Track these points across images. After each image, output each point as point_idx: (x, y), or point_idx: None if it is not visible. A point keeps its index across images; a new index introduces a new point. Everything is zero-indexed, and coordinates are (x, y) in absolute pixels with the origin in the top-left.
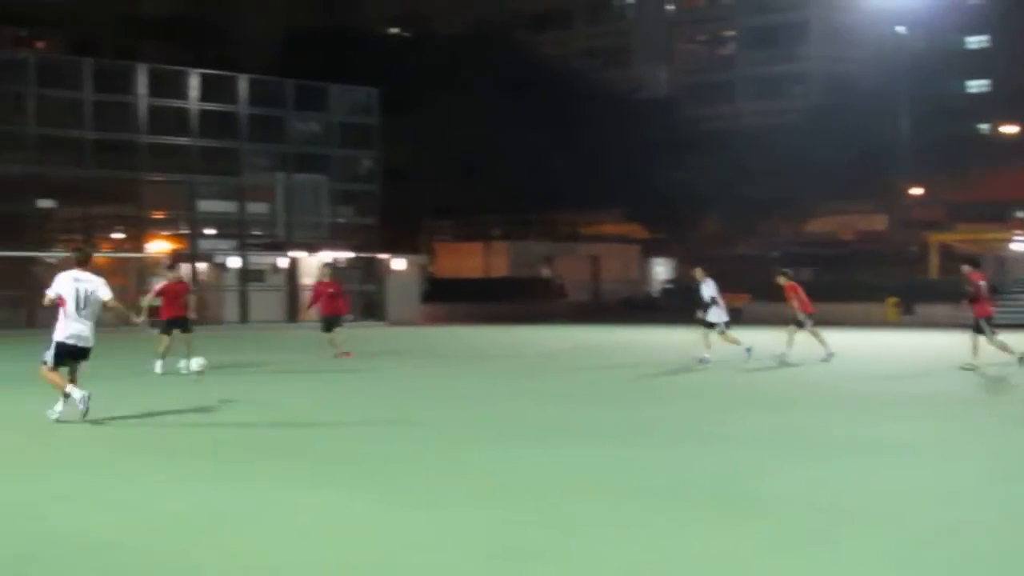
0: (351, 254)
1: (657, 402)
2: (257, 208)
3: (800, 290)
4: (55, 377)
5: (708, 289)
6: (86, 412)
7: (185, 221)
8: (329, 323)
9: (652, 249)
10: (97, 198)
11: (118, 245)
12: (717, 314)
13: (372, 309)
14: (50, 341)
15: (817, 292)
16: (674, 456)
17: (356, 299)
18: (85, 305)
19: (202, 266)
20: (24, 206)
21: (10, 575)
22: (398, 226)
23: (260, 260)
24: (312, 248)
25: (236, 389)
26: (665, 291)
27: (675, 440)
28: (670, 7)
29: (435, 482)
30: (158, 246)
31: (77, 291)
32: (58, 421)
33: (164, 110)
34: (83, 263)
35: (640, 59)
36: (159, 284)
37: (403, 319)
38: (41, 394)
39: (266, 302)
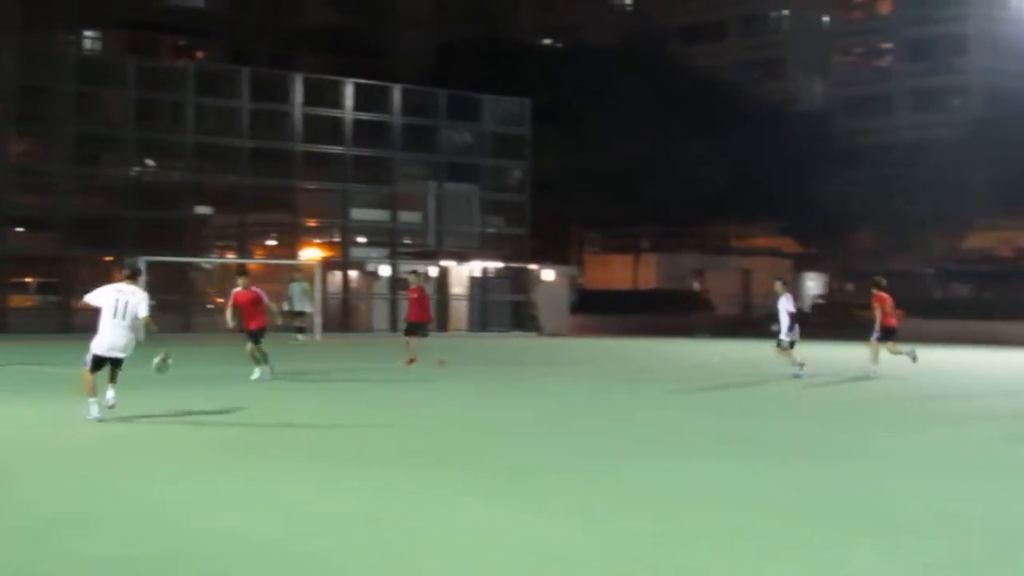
0: (500, 264)
1: (801, 417)
2: (409, 217)
3: (887, 302)
4: (87, 382)
5: (786, 304)
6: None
7: (338, 229)
8: (414, 328)
9: (804, 263)
10: (252, 205)
11: (271, 252)
12: (786, 331)
13: (522, 320)
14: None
15: (975, 310)
16: (820, 472)
17: (506, 310)
18: (124, 316)
19: (353, 274)
20: (182, 212)
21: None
22: (548, 237)
23: (410, 268)
24: (462, 257)
25: (383, 395)
26: (816, 306)
27: (822, 456)
28: (826, 19)
29: (591, 492)
30: (311, 253)
31: (116, 302)
32: (101, 421)
33: (319, 119)
34: (130, 279)
35: (795, 71)
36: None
37: (552, 330)
38: (183, 396)
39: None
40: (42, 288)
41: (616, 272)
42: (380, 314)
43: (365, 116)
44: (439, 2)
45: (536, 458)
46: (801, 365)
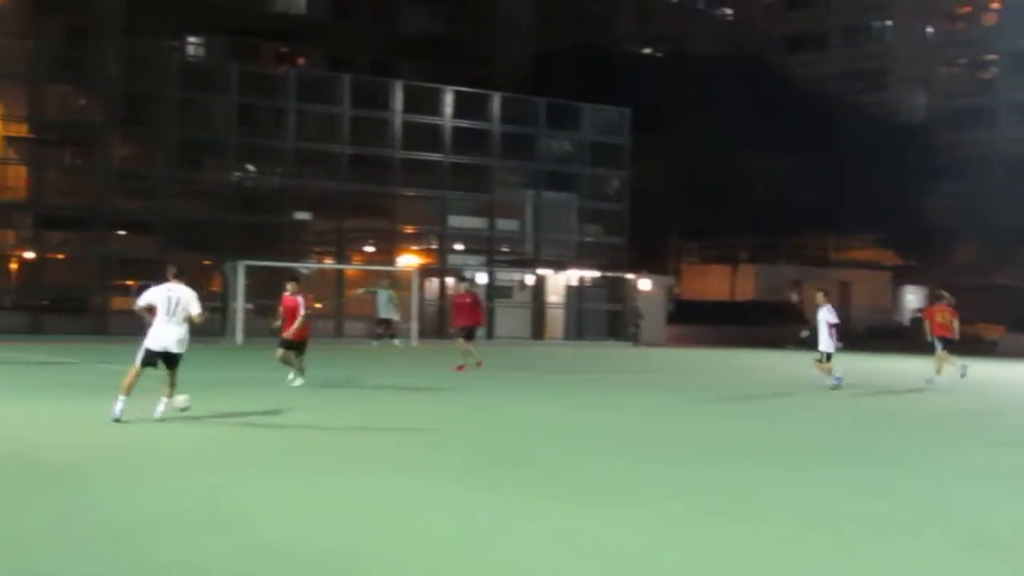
0: (597, 273)
1: (894, 429)
2: (506, 225)
3: (938, 313)
4: (130, 378)
5: (827, 315)
6: (172, 411)
7: (435, 236)
8: (468, 332)
9: (903, 276)
10: (351, 211)
11: (369, 258)
12: (826, 343)
13: (617, 329)
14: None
15: None
16: (912, 485)
17: (602, 319)
18: (175, 313)
19: (450, 281)
20: (281, 217)
21: None
22: (645, 246)
23: (507, 276)
24: (559, 266)
25: (471, 401)
26: (915, 320)
27: (913, 468)
28: (929, 29)
29: (677, 501)
30: (408, 260)
31: (168, 299)
32: (117, 421)
33: (418, 126)
34: (177, 278)
35: (897, 82)
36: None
37: (648, 340)
38: (268, 399)
39: (512, 318)
40: (142, 291)
41: (713, 283)
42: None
43: (464, 124)
44: (539, 11)
45: (623, 467)
46: (837, 376)
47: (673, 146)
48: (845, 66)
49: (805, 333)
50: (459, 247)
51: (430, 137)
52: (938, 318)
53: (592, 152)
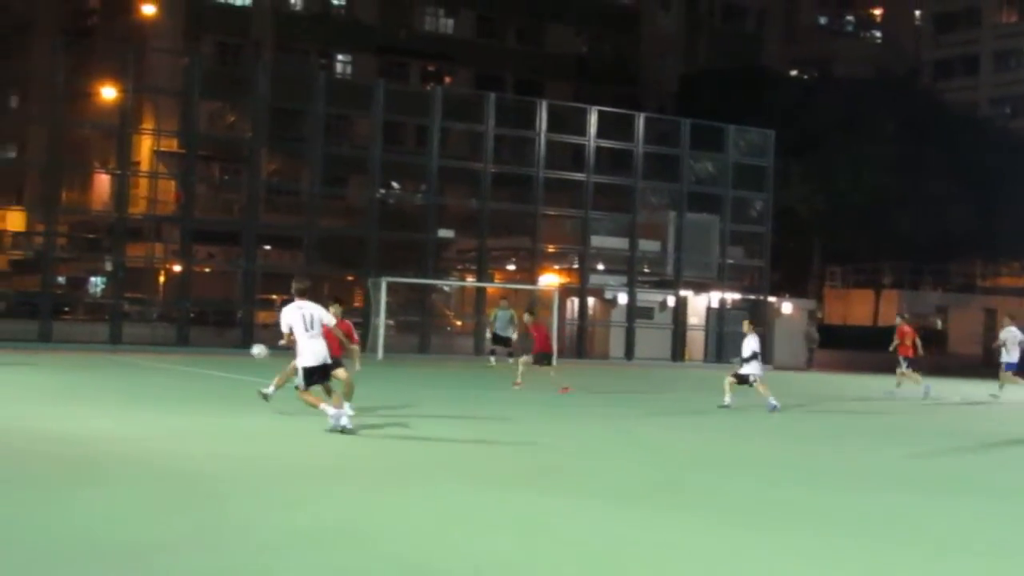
0: (738, 295)
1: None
2: (648, 245)
3: (907, 335)
4: (309, 398)
5: (751, 343)
6: (341, 428)
7: (577, 256)
8: (539, 358)
9: None
10: (493, 229)
11: (510, 276)
12: (754, 367)
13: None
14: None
15: None
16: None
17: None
18: (313, 327)
19: (591, 301)
20: (425, 235)
21: None
22: (788, 269)
23: (648, 297)
24: (700, 287)
25: (610, 425)
26: None
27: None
28: None
29: (836, 528)
30: (549, 279)
31: (303, 317)
32: (332, 431)
33: (562, 145)
34: (303, 294)
35: None
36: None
37: (788, 364)
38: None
39: (652, 339)
40: (285, 306)
41: (856, 307)
42: (617, 342)
43: (608, 144)
44: (685, 31)
45: (773, 493)
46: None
47: (819, 169)
48: (997, 91)
49: (736, 359)
50: (600, 267)
51: (573, 157)
52: (907, 340)
53: (736, 174)
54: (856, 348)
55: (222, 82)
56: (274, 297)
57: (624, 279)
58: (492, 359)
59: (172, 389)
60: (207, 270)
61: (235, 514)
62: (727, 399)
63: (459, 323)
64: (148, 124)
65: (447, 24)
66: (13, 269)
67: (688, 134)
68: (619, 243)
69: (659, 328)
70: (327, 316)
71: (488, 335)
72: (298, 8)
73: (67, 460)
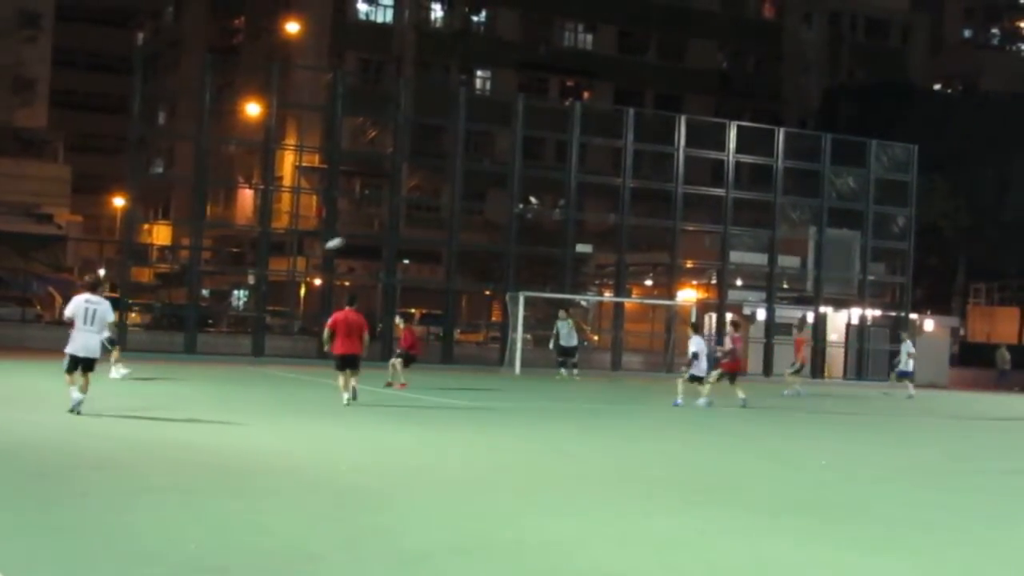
0: (879, 312)
1: None
2: (787, 261)
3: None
4: (68, 378)
5: (692, 345)
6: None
7: (715, 271)
8: (730, 376)
9: None
10: (631, 244)
11: (647, 292)
12: (697, 367)
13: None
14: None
15: None
16: None
17: (883, 359)
18: (92, 322)
19: (728, 316)
20: (563, 249)
21: None
22: (930, 286)
23: (787, 313)
24: (840, 304)
25: (762, 439)
26: None
27: None
28: None
29: (980, 554)
30: (687, 294)
31: (86, 311)
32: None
33: (701, 161)
34: (92, 288)
35: None
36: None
37: (929, 381)
38: (550, 428)
39: (791, 356)
40: (426, 319)
41: (1001, 325)
42: (755, 358)
43: (747, 159)
44: (828, 46)
45: (914, 513)
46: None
47: (965, 184)
48: None
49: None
50: (739, 282)
51: (713, 172)
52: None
53: (877, 189)
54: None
55: (364, 98)
56: (413, 311)
57: (763, 295)
58: (562, 371)
59: (313, 401)
60: (347, 284)
61: (381, 526)
62: (679, 399)
63: (596, 338)
64: (291, 140)
65: (587, 39)
66: (160, 282)
67: (829, 149)
68: (758, 258)
69: None
70: (110, 314)
71: (551, 347)
72: (439, 25)
73: (217, 470)
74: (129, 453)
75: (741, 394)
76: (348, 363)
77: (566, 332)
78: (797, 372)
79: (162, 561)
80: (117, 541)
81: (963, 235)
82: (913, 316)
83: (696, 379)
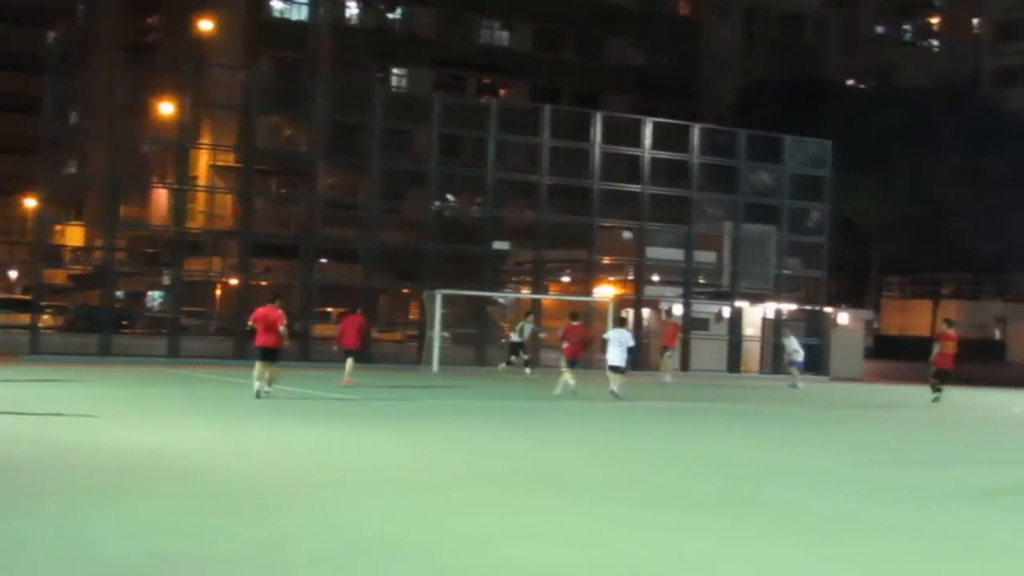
0: (794, 306)
1: None
2: (704, 257)
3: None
4: None
5: (619, 335)
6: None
7: (632, 267)
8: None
9: None
10: (549, 241)
11: (565, 288)
12: (614, 357)
13: (814, 363)
14: None
15: None
16: None
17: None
18: None
19: (646, 312)
20: (481, 247)
21: None
22: (845, 280)
23: (704, 309)
24: (756, 299)
25: (669, 431)
26: None
27: None
28: None
29: (885, 542)
30: (604, 291)
31: None
32: None
33: (617, 157)
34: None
35: None
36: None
37: (845, 374)
38: (472, 427)
39: (708, 351)
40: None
41: (915, 318)
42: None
43: (663, 155)
44: (744, 43)
45: (824, 503)
46: (615, 393)
47: (878, 179)
48: None
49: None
50: (656, 278)
51: (629, 168)
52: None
53: (793, 185)
54: (913, 359)
55: (280, 97)
56: (329, 310)
57: (680, 290)
58: (527, 370)
59: (228, 402)
60: (265, 284)
61: (295, 527)
62: (613, 387)
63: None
64: (207, 139)
65: (504, 37)
66: (74, 283)
67: (745, 145)
68: (675, 254)
69: (715, 339)
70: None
71: (513, 341)
72: (355, 23)
73: (128, 472)
74: (33, 456)
75: (571, 381)
76: (267, 355)
77: (527, 332)
78: (669, 356)
79: (71, 568)
80: (22, 548)
81: (878, 229)
82: (829, 310)
83: (613, 368)
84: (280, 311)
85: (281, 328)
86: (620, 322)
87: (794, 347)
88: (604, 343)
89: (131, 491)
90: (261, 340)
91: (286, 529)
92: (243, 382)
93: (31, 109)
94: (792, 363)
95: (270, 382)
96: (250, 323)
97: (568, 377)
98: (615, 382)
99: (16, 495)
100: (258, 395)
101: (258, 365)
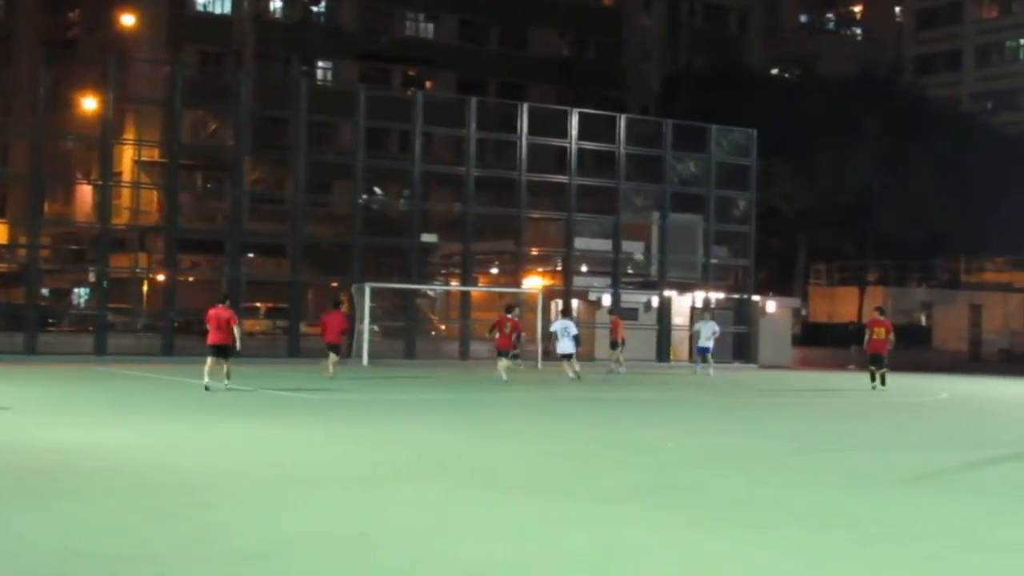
0: (722, 295)
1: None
2: (632, 246)
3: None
4: None
5: (554, 326)
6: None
7: (561, 258)
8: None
9: None
10: (477, 233)
11: (494, 280)
12: (564, 346)
13: (742, 351)
14: None
15: None
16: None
17: (727, 341)
18: None
19: (575, 303)
20: (409, 240)
21: None
22: (772, 268)
23: (633, 298)
24: (685, 288)
25: (604, 421)
26: None
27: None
28: None
29: (814, 528)
30: (533, 282)
31: None
32: None
33: (544, 148)
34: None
35: None
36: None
37: (773, 362)
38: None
39: (637, 340)
40: (272, 313)
41: (841, 305)
42: (602, 343)
43: (590, 146)
44: (668, 33)
45: (754, 491)
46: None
47: (802, 167)
48: (979, 86)
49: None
50: (584, 269)
51: (556, 159)
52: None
53: (719, 173)
54: (840, 345)
55: (204, 91)
56: (258, 305)
57: (608, 281)
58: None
59: (157, 399)
60: (192, 279)
61: (223, 524)
62: (571, 373)
63: (444, 327)
64: (130, 135)
65: (428, 29)
66: None
67: (670, 135)
68: (603, 245)
69: (644, 329)
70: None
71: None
72: (278, 16)
73: (54, 472)
74: None
75: (504, 374)
76: (218, 352)
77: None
78: (616, 348)
79: None
80: None
81: (803, 217)
82: (756, 298)
83: (566, 356)
84: (231, 311)
85: (235, 328)
86: (565, 312)
87: (708, 333)
88: (552, 335)
89: (57, 491)
90: (213, 338)
91: (216, 525)
92: (171, 379)
93: None
94: (701, 350)
95: (227, 376)
96: (208, 324)
97: (501, 368)
98: (571, 368)
99: None
100: (207, 388)
101: (209, 361)
